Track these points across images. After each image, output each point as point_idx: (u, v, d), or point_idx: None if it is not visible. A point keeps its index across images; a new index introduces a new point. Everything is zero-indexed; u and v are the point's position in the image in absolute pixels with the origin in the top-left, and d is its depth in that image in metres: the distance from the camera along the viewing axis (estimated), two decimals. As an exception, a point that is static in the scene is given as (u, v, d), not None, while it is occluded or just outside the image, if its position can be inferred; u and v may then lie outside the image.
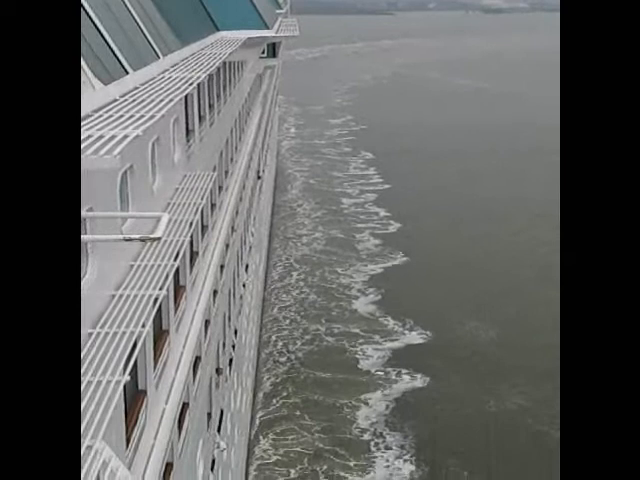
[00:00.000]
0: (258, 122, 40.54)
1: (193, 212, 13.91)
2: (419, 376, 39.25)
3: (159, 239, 8.63)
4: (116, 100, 10.82)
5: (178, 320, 13.93)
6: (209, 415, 18.57)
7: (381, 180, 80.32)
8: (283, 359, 41.87)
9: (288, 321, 46.72)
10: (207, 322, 17.34)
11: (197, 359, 15.61)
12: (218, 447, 19.38)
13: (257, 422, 35.46)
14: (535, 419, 34.84)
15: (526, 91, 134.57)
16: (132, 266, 10.90)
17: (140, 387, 11.07)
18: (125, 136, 8.60)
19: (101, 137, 8.47)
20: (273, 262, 56.80)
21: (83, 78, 9.70)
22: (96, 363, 8.11)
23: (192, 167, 17.05)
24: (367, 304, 48.93)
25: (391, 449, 33.19)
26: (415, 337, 43.78)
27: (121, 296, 9.91)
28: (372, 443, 33.74)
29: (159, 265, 10.97)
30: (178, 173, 15.91)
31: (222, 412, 20.82)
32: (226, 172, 24.71)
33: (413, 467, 31.88)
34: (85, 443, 6.90)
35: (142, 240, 8.85)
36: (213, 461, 18.66)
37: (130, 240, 8.77)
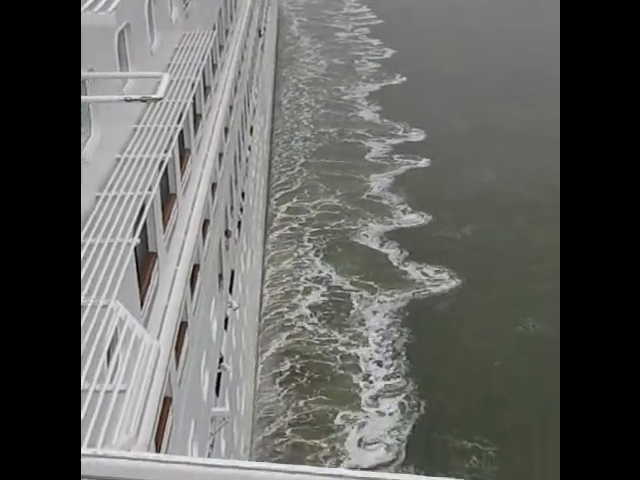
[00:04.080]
0: None
1: (194, 73, 13.49)
2: (416, 161, 48.75)
3: (160, 99, 8.43)
4: None
5: (185, 183, 13.73)
6: (220, 276, 18.54)
7: (374, 16, 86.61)
8: (297, 156, 50.72)
9: (304, 128, 55.34)
10: (214, 185, 17.09)
11: (206, 222, 15.42)
12: (230, 306, 19.75)
13: (275, 200, 43.92)
14: (507, 185, 44.72)
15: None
16: (135, 129, 10.73)
17: (151, 249, 11.01)
18: None
19: None
20: (283, 91, 64.40)
21: None
22: (106, 226, 8.08)
23: (191, 26, 16.49)
24: (371, 113, 57.63)
25: (400, 206, 43.14)
26: (413, 135, 53.02)
27: (126, 159, 9.75)
28: (387, 204, 43.55)
29: (162, 128, 10.75)
30: (177, 32, 15.42)
31: (233, 273, 20.97)
32: (226, 31, 23.98)
33: (417, 214, 42.05)
34: (100, 303, 6.97)
35: (143, 100, 8.63)
36: (226, 320, 18.96)
37: (131, 101, 8.49)
